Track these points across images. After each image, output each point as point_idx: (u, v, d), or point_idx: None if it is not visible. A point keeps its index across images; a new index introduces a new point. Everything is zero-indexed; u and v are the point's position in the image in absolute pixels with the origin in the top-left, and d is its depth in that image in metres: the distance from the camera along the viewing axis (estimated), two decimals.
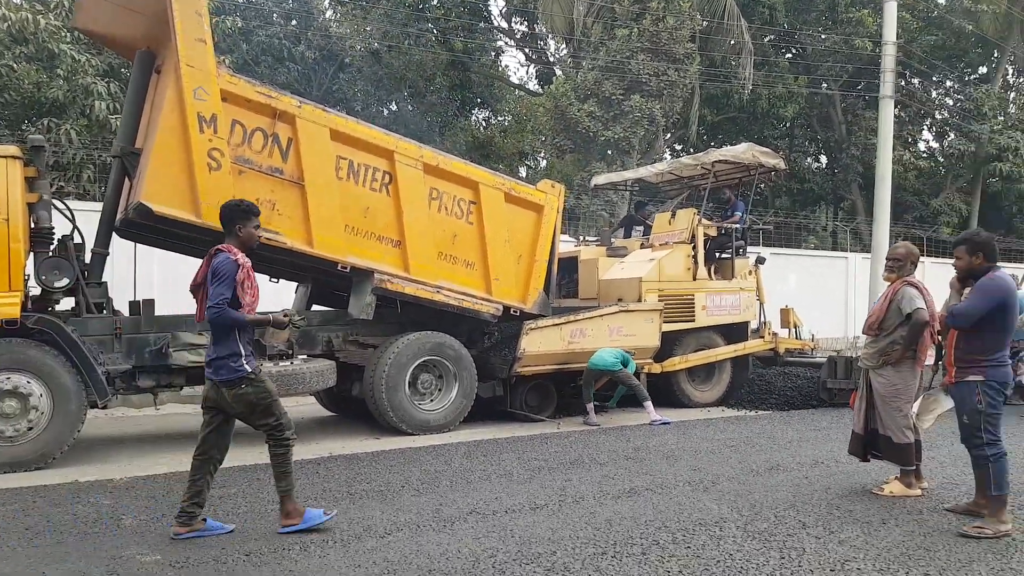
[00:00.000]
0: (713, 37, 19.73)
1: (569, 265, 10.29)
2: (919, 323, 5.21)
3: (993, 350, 4.60)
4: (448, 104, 22.12)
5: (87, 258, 7.31)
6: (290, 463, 4.52)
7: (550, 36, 23.42)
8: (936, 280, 10.30)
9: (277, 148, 7.17)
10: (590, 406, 8.70)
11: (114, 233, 7.64)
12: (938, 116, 24.83)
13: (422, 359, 7.98)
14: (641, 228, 11.48)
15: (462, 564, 3.99)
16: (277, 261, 7.69)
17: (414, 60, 20.63)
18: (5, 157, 6.37)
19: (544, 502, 5.19)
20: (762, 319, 10.66)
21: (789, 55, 23.59)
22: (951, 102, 25.26)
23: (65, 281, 6.82)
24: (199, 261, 4.58)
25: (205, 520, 4.52)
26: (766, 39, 22.45)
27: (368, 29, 21.00)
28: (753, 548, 4.22)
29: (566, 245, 11.24)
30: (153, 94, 7.43)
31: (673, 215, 10.62)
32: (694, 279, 9.79)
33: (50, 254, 6.81)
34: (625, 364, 8.63)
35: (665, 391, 9.68)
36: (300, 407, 9.41)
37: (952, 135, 23.86)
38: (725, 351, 10.09)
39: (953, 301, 4.87)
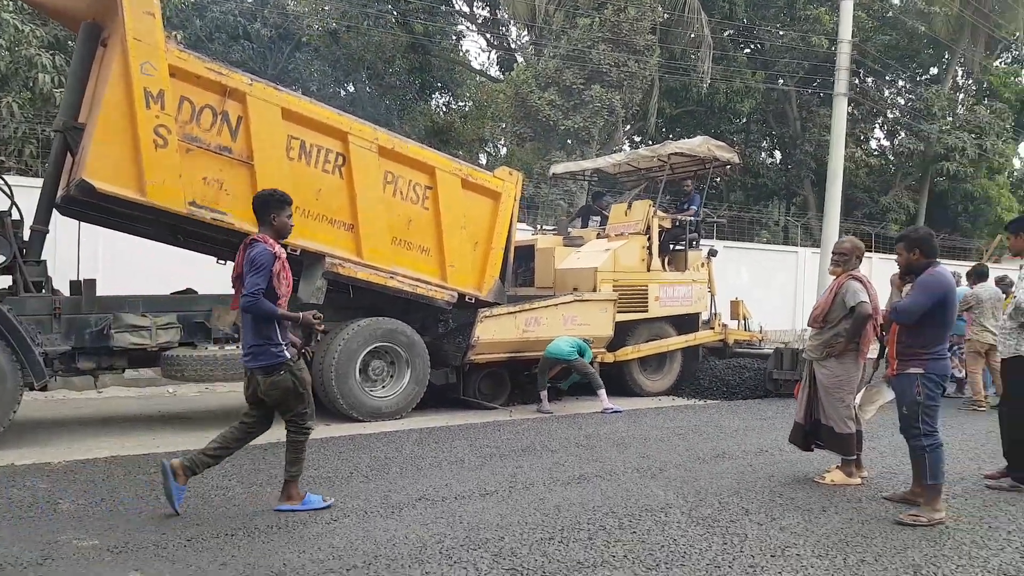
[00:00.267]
0: (673, 30, 19.88)
1: (526, 254, 10.28)
2: (862, 316, 5.33)
3: (933, 344, 4.74)
4: (407, 87, 21.88)
5: (26, 235, 7.07)
6: (304, 450, 4.67)
7: (512, 22, 23.32)
8: (883, 275, 10.46)
9: (227, 126, 6.98)
10: (544, 394, 8.73)
11: (56, 211, 7.40)
12: (890, 115, 25.35)
13: (373, 345, 7.89)
14: (598, 218, 11.54)
15: (409, 550, 3.97)
16: (225, 243, 7.52)
17: (373, 41, 20.35)
18: None
19: (494, 488, 5.20)
20: (713, 310, 10.84)
21: (747, 50, 23.87)
22: (903, 101, 25.80)
23: (1, 259, 6.63)
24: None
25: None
26: (725, 33, 22.67)
27: (326, 8, 20.64)
28: (697, 533, 4.29)
29: (523, 233, 11.23)
30: (98, 68, 7.16)
31: (629, 206, 10.69)
32: (648, 270, 9.90)
33: None
34: (582, 353, 8.68)
35: (617, 380, 9.77)
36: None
37: (903, 134, 24.39)
38: (676, 341, 10.23)
39: (895, 298, 4.99)
